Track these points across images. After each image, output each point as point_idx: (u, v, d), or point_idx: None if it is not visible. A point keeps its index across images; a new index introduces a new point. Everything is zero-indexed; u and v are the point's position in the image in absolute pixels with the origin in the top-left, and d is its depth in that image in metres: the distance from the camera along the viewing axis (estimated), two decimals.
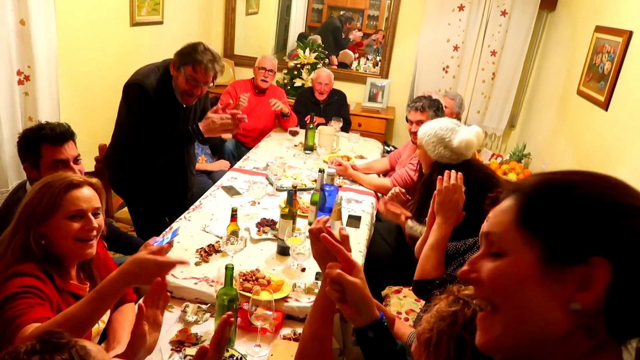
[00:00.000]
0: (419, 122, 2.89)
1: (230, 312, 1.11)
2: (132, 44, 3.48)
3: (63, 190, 1.39)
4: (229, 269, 1.54)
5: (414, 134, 2.94)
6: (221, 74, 2.48)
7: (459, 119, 3.50)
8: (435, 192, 1.78)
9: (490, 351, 0.66)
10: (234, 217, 2.06)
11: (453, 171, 1.79)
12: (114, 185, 2.67)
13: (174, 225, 2.25)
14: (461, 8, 4.37)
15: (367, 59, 5.22)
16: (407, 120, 3.03)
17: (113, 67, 3.22)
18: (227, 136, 3.67)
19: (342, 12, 5.26)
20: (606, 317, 0.59)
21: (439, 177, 1.80)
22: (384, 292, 2.47)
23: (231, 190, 2.68)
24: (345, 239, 1.19)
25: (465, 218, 1.77)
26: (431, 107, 2.88)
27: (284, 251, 2.07)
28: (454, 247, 1.88)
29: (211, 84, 2.41)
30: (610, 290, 0.57)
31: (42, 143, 1.81)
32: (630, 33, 2.73)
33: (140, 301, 1.18)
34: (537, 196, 0.63)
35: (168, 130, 2.39)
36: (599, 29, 3.16)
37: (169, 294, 1.19)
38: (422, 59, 4.61)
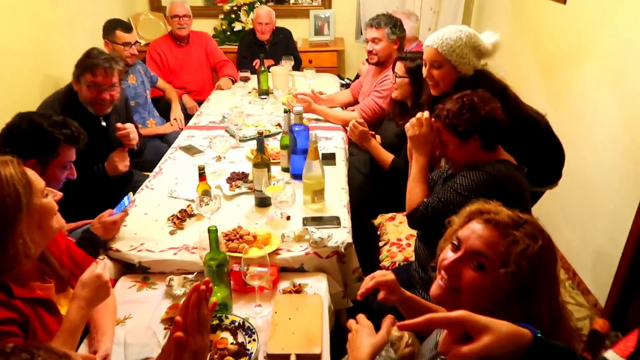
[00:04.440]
0: (375, 40, 2.76)
1: (198, 283, 0.93)
2: (47, 13, 3.03)
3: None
4: (212, 232, 1.38)
5: (370, 53, 2.80)
6: (124, 72, 2.31)
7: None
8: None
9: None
10: (202, 176, 1.87)
11: (422, 113, 1.72)
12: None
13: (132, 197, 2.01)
14: None
15: None
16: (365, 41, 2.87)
17: (27, 43, 2.80)
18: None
19: None
20: None
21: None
22: (376, 221, 2.38)
23: (191, 150, 2.46)
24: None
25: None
26: (388, 24, 2.71)
27: (263, 202, 1.91)
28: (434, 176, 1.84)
29: (118, 87, 2.19)
30: None
31: (62, 142, 1.68)
32: None
33: (178, 317, 0.94)
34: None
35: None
36: None
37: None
38: None
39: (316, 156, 1.85)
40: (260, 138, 1.90)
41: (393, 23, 2.71)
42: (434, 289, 1.03)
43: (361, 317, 1.26)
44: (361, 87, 3.02)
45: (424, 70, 1.96)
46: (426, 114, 1.69)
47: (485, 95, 1.57)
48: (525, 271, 0.89)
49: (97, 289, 1.23)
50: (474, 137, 1.53)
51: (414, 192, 1.71)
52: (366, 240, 2.29)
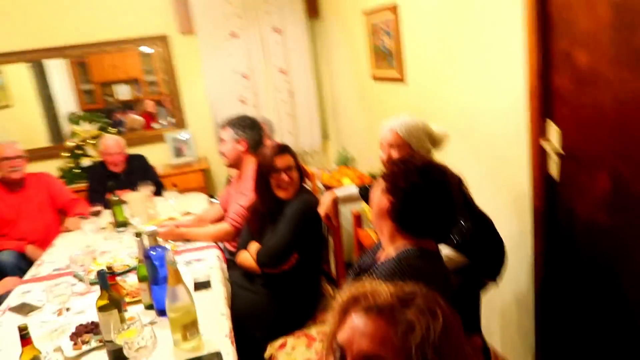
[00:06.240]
0: (222, 141, 2.60)
1: None
2: None
3: None
4: None
5: (221, 154, 2.69)
6: None
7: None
8: None
9: None
10: (25, 339, 1.39)
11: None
12: None
13: None
14: (234, 35, 4.23)
15: (162, 124, 4.65)
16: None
17: None
18: None
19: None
20: None
21: None
22: (267, 354, 2.00)
23: (25, 308, 1.95)
24: None
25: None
26: (235, 124, 2.60)
27: (118, 356, 1.47)
28: None
29: None
30: None
31: None
32: (395, 7, 2.83)
33: None
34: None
35: None
36: (366, 12, 3.27)
37: None
38: (215, 97, 4.34)
39: (178, 280, 1.51)
40: (104, 272, 1.51)
41: (239, 123, 2.61)
42: None
43: None
44: (229, 196, 2.79)
45: (383, 154, 1.99)
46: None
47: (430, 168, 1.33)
48: None
49: None
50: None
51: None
52: None
